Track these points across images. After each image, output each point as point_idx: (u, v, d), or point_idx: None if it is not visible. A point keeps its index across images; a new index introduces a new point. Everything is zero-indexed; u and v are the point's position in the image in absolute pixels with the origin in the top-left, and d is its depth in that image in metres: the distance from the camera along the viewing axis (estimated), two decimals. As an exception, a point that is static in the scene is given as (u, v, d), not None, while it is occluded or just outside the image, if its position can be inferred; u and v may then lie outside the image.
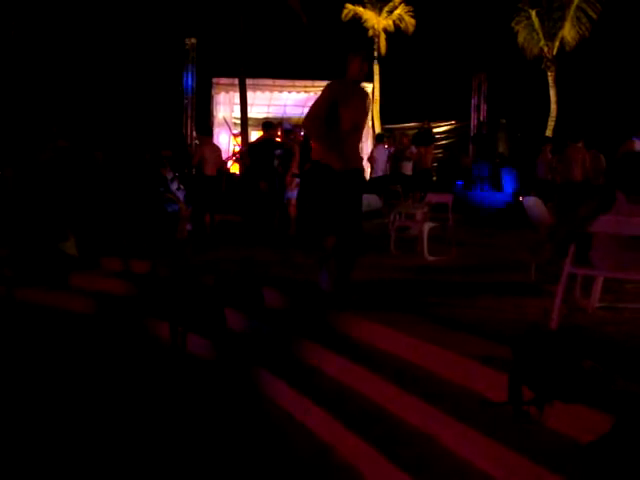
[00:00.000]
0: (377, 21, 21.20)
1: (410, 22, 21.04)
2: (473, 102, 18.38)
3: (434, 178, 15.13)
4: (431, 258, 7.28)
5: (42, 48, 18.32)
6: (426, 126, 13.85)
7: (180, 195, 9.60)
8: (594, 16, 18.48)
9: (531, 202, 7.21)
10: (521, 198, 10.70)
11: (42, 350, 5.12)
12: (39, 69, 18.13)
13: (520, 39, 19.42)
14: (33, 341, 5.33)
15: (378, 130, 18.52)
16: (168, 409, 4.00)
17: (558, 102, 18.83)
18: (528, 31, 19.39)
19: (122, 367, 4.76)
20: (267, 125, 9.78)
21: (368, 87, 19.54)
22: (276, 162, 9.38)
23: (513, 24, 19.44)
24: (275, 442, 3.53)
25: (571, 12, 18.73)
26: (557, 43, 19.05)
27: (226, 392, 4.25)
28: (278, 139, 9.76)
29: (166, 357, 4.97)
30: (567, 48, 18.98)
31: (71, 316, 6.01)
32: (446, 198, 8.13)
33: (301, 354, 4.35)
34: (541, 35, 19.14)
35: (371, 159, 12.98)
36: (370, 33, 21.21)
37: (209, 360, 4.80)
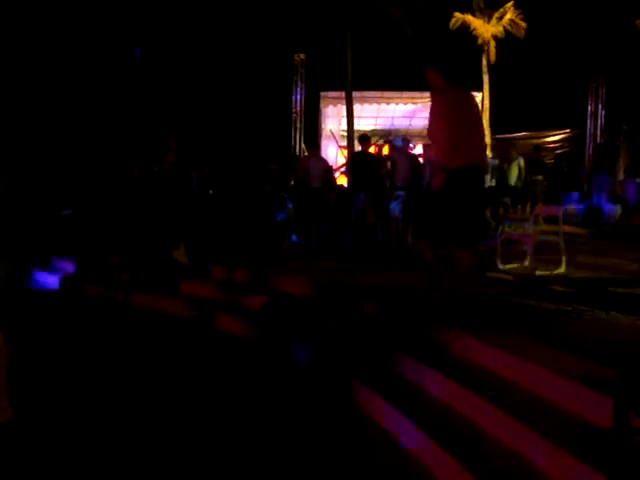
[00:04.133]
0: (486, 29, 20.65)
1: (521, 25, 20.31)
2: (590, 108, 17.39)
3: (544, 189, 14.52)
4: (540, 272, 6.97)
5: (163, 67, 19.51)
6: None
7: (289, 205, 9.82)
8: None
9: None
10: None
11: (153, 351, 5.42)
12: (162, 86, 19.29)
13: (646, 38, 18.16)
14: (146, 343, 5.66)
15: (488, 141, 18.01)
16: (264, 408, 4.14)
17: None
18: (657, 29, 18.10)
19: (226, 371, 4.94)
20: (361, 139, 10.00)
21: (477, 96, 19.11)
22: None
23: (638, 22, 18.20)
24: (362, 451, 3.55)
25: None
26: (692, 40, 17.65)
27: (321, 399, 4.28)
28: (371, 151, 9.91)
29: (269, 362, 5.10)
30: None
31: (179, 321, 6.32)
32: (556, 210, 7.75)
33: (401, 369, 4.28)
34: (672, 32, 17.82)
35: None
36: (479, 41, 20.71)
37: (308, 368, 4.86)
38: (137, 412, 4.11)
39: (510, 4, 20.67)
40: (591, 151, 15.90)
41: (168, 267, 7.33)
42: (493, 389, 3.53)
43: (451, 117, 4.67)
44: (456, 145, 4.61)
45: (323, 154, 15.63)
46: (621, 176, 14.94)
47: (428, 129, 5.01)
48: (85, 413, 4.07)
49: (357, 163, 9.94)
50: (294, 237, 9.86)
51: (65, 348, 5.48)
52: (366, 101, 18.07)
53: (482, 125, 4.93)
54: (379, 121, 19.08)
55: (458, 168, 4.60)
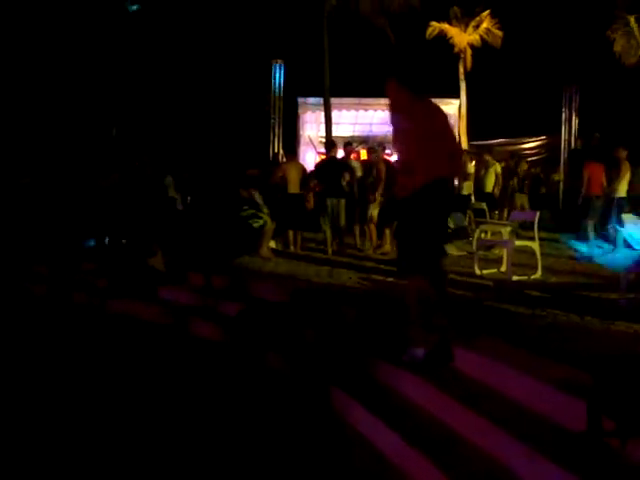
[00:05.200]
0: (463, 37, 20.94)
1: (497, 34, 20.62)
2: (564, 115, 17.63)
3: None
4: (516, 277, 7.03)
5: (142, 72, 19.39)
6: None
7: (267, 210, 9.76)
8: None
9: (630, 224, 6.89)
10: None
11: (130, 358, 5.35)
12: (142, 92, 19.17)
13: (617, 47, 18.61)
14: (122, 349, 5.58)
15: (465, 147, 18.19)
16: (241, 414, 4.09)
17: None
18: (626, 39, 18.55)
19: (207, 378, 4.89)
20: (328, 145, 10.12)
21: (455, 103, 19.30)
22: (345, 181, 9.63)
23: (609, 32, 18.64)
24: (340, 455, 3.54)
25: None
26: (660, 49, 18.19)
27: (299, 405, 4.26)
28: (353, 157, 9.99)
29: (245, 369, 5.06)
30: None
31: (155, 327, 6.25)
32: (531, 215, 7.84)
33: (379, 374, 4.26)
34: (641, 42, 18.33)
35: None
36: (456, 49, 20.97)
37: (286, 374, 4.83)
38: (110, 418, 4.05)
39: (486, 13, 21.02)
40: (566, 157, 16.11)
41: (145, 273, 7.25)
42: (469, 393, 3.54)
43: (418, 134, 4.10)
44: (425, 162, 4.07)
45: (301, 160, 15.64)
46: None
47: (394, 144, 4.51)
48: (57, 417, 4.01)
49: (323, 169, 10.01)
50: (271, 244, 9.82)
51: (39, 353, 5.40)
52: (344, 107, 18.16)
53: (451, 131, 4.61)
54: (357, 127, 19.16)
55: (426, 185, 4.02)
